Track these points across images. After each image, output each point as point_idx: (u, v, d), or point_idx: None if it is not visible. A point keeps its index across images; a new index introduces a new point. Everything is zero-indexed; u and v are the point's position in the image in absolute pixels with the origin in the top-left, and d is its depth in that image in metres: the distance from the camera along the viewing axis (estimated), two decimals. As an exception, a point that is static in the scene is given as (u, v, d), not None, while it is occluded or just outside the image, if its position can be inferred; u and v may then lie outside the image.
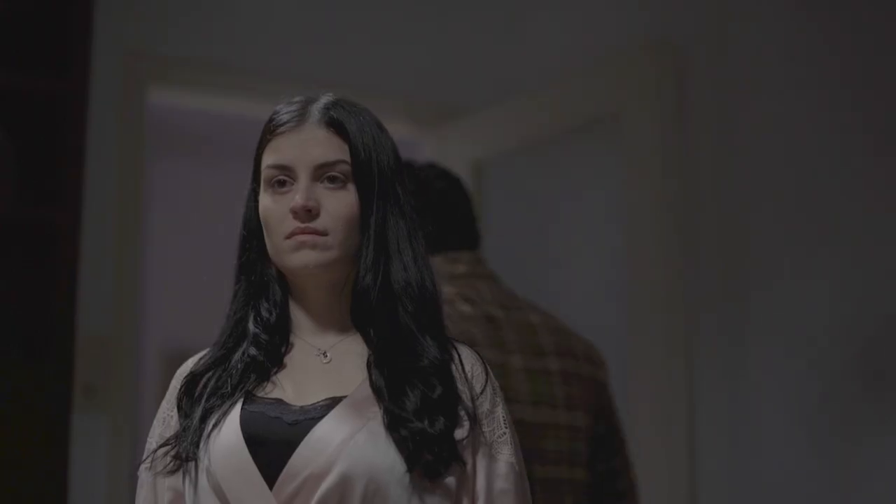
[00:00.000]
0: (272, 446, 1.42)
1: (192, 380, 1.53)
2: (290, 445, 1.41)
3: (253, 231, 1.55)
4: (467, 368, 1.52)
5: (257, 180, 1.55)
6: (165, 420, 1.55)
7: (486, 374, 1.54)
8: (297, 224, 1.48)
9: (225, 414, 1.46)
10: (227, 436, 1.44)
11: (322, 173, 1.50)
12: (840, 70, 2.77)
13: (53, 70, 2.98)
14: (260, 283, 1.55)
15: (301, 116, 1.52)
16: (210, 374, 1.52)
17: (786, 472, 2.76)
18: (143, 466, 1.55)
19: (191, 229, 5.15)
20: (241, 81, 3.39)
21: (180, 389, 1.53)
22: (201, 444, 1.45)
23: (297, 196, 1.48)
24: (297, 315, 1.55)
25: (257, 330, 1.53)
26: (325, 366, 1.52)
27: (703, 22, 3.09)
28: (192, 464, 1.46)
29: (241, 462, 1.42)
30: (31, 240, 2.97)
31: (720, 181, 2.99)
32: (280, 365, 1.52)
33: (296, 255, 1.49)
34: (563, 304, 3.29)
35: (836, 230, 2.74)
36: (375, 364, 1.48)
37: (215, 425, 1.45)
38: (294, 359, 1.53)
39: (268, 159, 1.52)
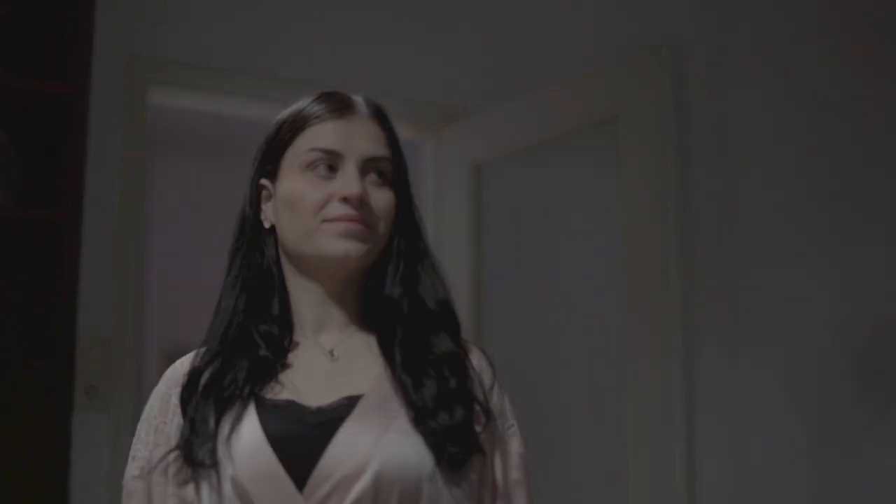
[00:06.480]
0: (297, 449, 1.37)
1: (191, 381, 1.47)
2: (317, 447, 1.37)
3: (250, 220, 1.52)
4: (476, 364, 1.52)
5: (266, 168, 1.52)
6: (158, 427, 1.49)
7: (493, 371, 1.55)
8: (348, 211, 1.45)
9: (239, 417, 1.41)
10: (249, 440, 1.38)
11: (369, 167, 1.49)
12: (839, 73, 2.77)
13: (56, 72, 2.99)
14: (257, 274, 1.51)
15: (348, 107, 1.51)
16: (212, 373, 1.46)
17: (783, 472, 2.76)
18: (130, 474, 1.49)
19: (192, 230, 5.16)
20: (242, 84, 3.40)
21: (181, 394, 1.47)
22: (221, 450, 1.39)
23: (350, 184, 1.46)
24: (300, 310, 1.52)
25: (264, 327, 1.49)
26: (333, 364, 1.48)
27: (700, 25, 3.09)
28: (212, 471, 1.40)
29: (268, 466, 1.37)
30: (33, 241, 2.98)
31: (717, 183, 2.99)
32: (286, 364, 1.48)
33: (339, 241, 1.45)
34: (561, 305, 3.31)
35: (834, 231, 2.74)
36: (393, 362, 1.46)
37: (232, 430, 1.40)
38: (300, 358, 1.49)
39: (310, 142, 1.49)
